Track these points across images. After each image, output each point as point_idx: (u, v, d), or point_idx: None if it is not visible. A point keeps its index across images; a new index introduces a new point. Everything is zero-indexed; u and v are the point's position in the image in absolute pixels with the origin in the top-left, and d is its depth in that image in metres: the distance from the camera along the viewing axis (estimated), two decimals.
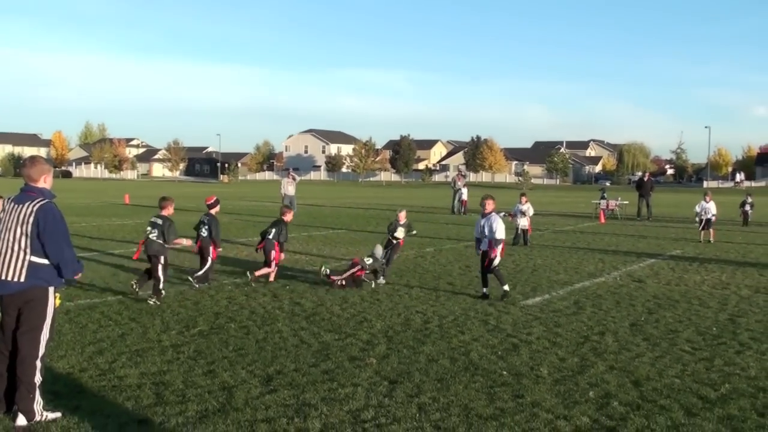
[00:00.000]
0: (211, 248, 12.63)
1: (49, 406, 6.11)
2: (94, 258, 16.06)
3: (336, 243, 20.33)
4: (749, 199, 30.17)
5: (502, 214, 12.02)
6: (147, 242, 11.24)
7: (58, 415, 6.01)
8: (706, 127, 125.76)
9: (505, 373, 7.53)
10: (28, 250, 5.81)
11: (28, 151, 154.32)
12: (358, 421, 6.04)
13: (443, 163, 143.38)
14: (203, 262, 12.64)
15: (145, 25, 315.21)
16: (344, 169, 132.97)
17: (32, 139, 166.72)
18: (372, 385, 7.06)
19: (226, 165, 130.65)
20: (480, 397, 6.71)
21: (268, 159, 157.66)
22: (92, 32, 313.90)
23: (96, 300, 11.22)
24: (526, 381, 7.25)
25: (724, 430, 5.99)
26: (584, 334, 9.39)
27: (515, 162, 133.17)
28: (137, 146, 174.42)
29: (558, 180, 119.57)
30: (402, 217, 14.29)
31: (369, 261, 13.04)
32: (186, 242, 11.82)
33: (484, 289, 11.92)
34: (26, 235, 5.79)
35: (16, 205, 5.89)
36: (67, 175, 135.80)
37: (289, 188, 30.83)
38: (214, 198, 13.33)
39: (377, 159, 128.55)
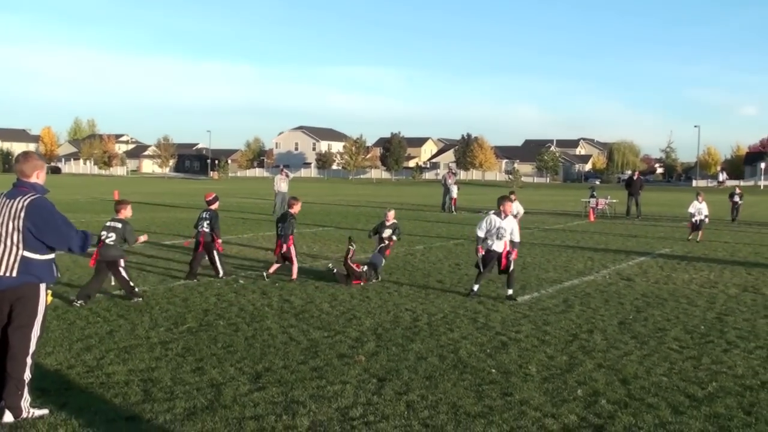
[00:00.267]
0: (215, 242, 13.12)
1: (36, 402, 6.08)
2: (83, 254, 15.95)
3: (326, 240, 20.31)
4: (737, 190, 30.42)
5: (492, 212, 11.96)
6: (103, 247, 10.82)
7: (45, 412, 5.98)
8: (695, 126, 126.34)
9: (493, 371, 7.54)
10: (21, 245, 5.79)
11: (16, 147, 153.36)
12: (347, 419, 6.04)
13: (434, 160, 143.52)
14: (211, 258, 13.14)
15: (135, 21, 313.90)
16: (334, 167, 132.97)
17: (21, 135, 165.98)
18: (361, 382, 7.06)
19: (216, 162, 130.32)
20: (468, 395, 6.72)
21: (258, 156, 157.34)
22: (82, 28, 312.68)
23: None
24: (515, 379, 7.27)
25: (710, 428, 6.02)
26: (573, 332, 9.41)
27: (505, 160, 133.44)
28: (127, 142, 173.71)
29: (548, 178, 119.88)
30: (391, 217, 14.25)
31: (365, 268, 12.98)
32: (143, 238, 11.64)
33: (506, 290, 11.70)
34: (18, 230, 5.76)
35: (8, 200, 5.88)
36: (56, 171, 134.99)
37: (282, 185, 31.10)
38: (214, 194, 13.74)
39: (368, 156, 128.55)
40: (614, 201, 34.05)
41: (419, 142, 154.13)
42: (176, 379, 7.07)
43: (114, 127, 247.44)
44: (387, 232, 14.06)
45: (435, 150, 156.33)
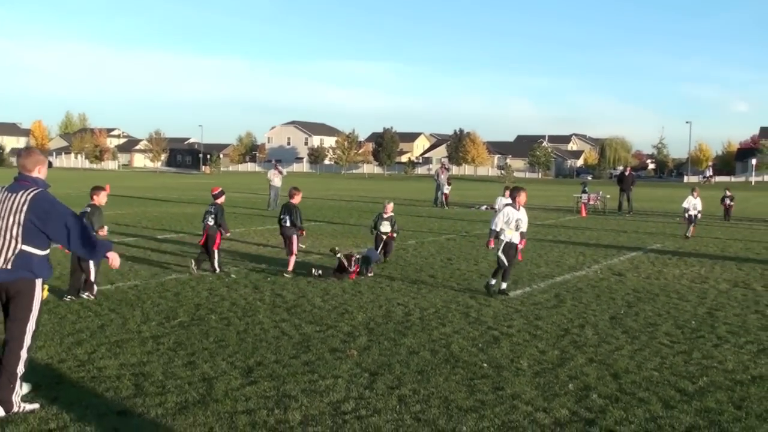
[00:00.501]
0: (216, 237, 13.15)
1: (27, 396, 6.07)
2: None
3: (318, 235, 20.28)
4: (728, 193, 30.57)
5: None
6: None
7: (37, 406, 5.96)
8: (687, 122, 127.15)
9: (485, 365, 7.56)
10: (20, 239, 5.79)
11: (7, 141, 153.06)
12: (339, 413, 6.04)
13: (426, 155, 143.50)
14: (208, 253, 13.16)
15: (127, 14, 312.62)
16: (327, 161, 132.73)
17: (12, 129, 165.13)
18: (353, 377, 7.06)
19: (208, 156, 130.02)
20: (460, 389, 6.73)
21: (250, 150, 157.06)
22: (73, 21, 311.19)
23: None
24: (507, 373, 7.28)
25: (701, 422, 6.04)
26: (564, 327, 9.44)
27: (498, 155, 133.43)
28: (118, 136, 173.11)
29: (540, 174, 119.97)
30: (389, 209, 14.26)
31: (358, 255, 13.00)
32: (103, 232, 11.42)
33: (500, 283, 11.56)
34: (19, 224, 5.77)
35: (10, 194, 5.89)
36: (48, 164, 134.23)
37: (275, 180, 31.43)
38: (220, 189, 13.89)
39: (360, 151, 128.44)
40: (607, 197, 34.14)
41: (412, 137, 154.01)
42: (168, 373, 7.05)
43: (105, 121, 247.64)
44: (385, 227, 14.07)
45: (427, 145, 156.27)
